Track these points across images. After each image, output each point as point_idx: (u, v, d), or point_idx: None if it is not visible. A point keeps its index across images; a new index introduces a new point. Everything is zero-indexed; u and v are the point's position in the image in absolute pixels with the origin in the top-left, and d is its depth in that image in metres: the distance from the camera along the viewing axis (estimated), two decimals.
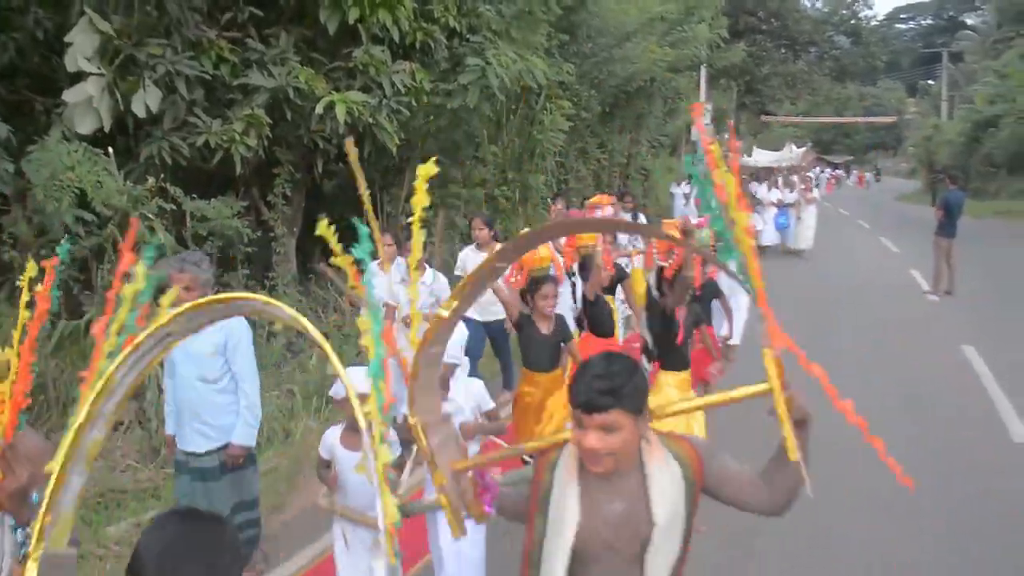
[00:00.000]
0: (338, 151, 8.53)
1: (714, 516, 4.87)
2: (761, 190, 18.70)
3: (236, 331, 4.14)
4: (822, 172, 42.20)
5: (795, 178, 19.86)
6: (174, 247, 6.71)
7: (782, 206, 18.08)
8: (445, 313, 2.06)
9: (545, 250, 5.74)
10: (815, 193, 18.53)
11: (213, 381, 4.15)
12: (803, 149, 25.26)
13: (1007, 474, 5.92)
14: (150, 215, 6.32)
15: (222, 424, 4.19)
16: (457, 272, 7.33)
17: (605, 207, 8.25)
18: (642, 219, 9.57)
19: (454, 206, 11.25)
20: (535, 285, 5.42)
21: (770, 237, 17.49)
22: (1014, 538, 4.91)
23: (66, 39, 6.40)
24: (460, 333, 3.85)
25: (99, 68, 6.50)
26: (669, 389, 5.15)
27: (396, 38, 8.14)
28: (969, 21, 61.67)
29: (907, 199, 38.57)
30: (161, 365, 4.38)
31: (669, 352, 5.21)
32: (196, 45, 7.18)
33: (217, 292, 6.34)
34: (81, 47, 6.42)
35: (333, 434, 3.65)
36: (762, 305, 1.96)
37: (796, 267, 16.13)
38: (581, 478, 2.09)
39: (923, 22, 72.11)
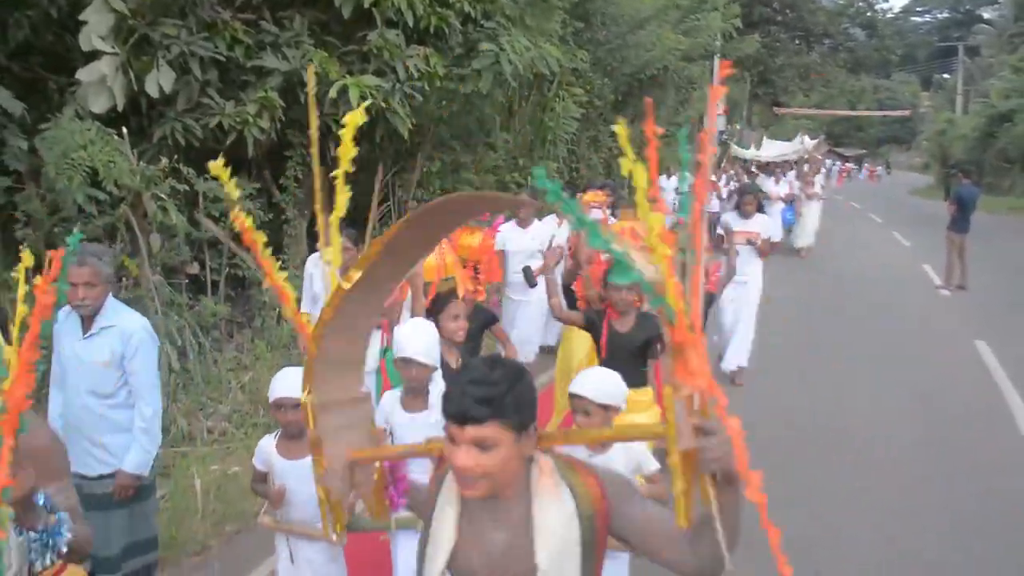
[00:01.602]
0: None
1: None
2: (768, 183, 17.37)
3: (135, 338, 3.58)
4: (834, 164, 41.99)
5: (806, 168, 19.36)
6: (186, 227, 6.72)
7: (791, 200, 17.07)
8: (346, 285, 1.88)
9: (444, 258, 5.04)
10: (817, 187, 17.64)
11: (106, 396, 3.59)
12: (815, 141, 24.99)
13: (1014, 471, 5.88)
14: (163, 195, 6.32)
15: (119, 444, 3.62)
16: (497, 247, 7.05)
17: (599, 204, 7.21)
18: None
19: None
20: (439, 304, 4.42)
21: (777, 233, 16.93)
22: (1018, 536, 4.89)
23: (80, 17, 6.39)
24: (432, 332, 3.49)
25: (113, 47, 6.49)
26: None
27: (410, 22, 8.10)
28: (986, 15, 61.07)
29: (920, 193, 38.36)
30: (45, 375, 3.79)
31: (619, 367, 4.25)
32: (211, 26, 7.16)
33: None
34: (95, 26, 6.41)
35: (268, 443, 3.34)
36: (679, 337, 1.50)
37: (806, 260, 16.04)
38: (464, 498, 1.82)
39: (939, 15, 71.33)
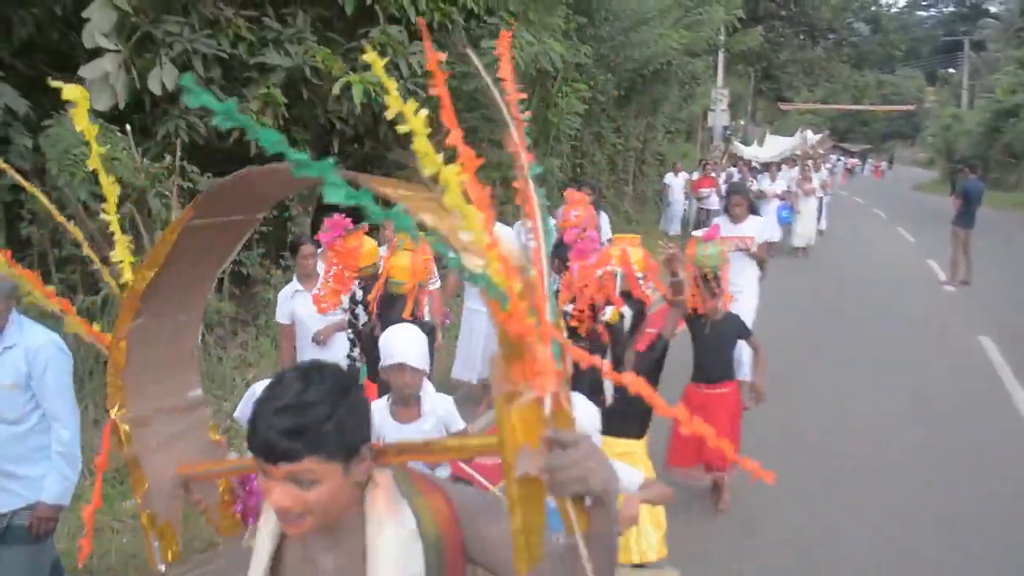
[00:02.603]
0: (354, 131, 8.52)
1: (718, 515, 4.89)
2: (764, 181, 16.79)
3: (42, 355, 3.26)
4: (838, 160, 41.86)
5: (809, 163, 19.03)
6: None
7: (786, 198, 16.06)
8: (143, 284, 1.66)
9: (405, 259, 4.63)
10: (816, 183, 16.98)
11: (14, 421, 3.25)
12: (819, 136, 24.80)
13: (1018, 469, 5.86)
14: (167, 193, 6.34)
15: (31, 476, 3.29)
16: None
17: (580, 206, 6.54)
18: (604, 218, 7.98)
19: None
20: (389, 303, 4.32)
21: (775, 233, 15.50)
22: (1018, 537, 4.87)
23: (83, 15, 6.40)
24: (422, 336, 3.30)
25: (116, 45, 6.50)
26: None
27: (413, 18, 8.11)
28: (992, 9, 60.77)
29: (924, 188, 38.27)
30: None
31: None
32: (214, 23, 7.17)
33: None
34: (98, 23, 6.42)
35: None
36: (516, 327, 1.12)
37: (808, 257, 15.93)
38: None
39: (944, 9, 71.14)
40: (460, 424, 3.43)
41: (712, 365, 4.99)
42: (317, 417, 1.36)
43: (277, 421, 1.35)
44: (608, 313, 3.80)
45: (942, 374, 8.11)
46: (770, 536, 4.77)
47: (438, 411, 3.34)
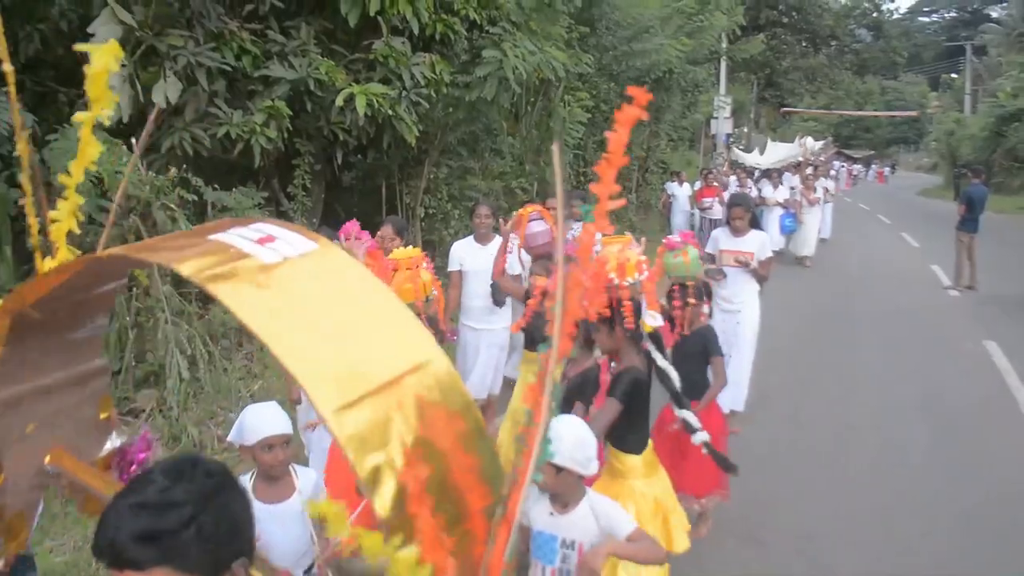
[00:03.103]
0: (358, 143, 8.56)
1: (721, 516, 4.88)
2: (766, 188, 16.57)
3: None
4: (841, 166, 41.82)
5: (808, 171, 18.77)
6: None
7: (789, 206, 15.76)
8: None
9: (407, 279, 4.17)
10: (820, 192, 16.59)
11: None
12: (821, 143, 24.66)
13: (1023, 472, 5.86)
14: (172, 205, 6.37)
15: None
16: (453, 268, 6.18)
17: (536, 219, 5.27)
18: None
19: (472, 198, 11.26)
20: None
21: (776, 242, 15.02)
22: None
23: (88, 30, 6.46)
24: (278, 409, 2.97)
25: (121, 59, 6.55)
26: (622, 481, 3.54)
27: (416, 30, 8.16)
28: (993, 14, 60.84)
29: (928, 194, 38.24)
30: None
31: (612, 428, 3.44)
32: (218, 36, 7.22)
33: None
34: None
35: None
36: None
37: (811, 266, 15.62)
38: None
39: (946, 15, 71.17)
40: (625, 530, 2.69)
41: (689, 382, 4.25)
42: (176, 521, 1.16)
43: (129, 521, 1.16)
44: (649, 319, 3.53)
45: (948, 379, 8.10)
46: (777, 539, 4.76)
47: (307, 490, 2.96)
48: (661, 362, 3.55)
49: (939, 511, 5.20)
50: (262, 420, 2.89)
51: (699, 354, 4.49)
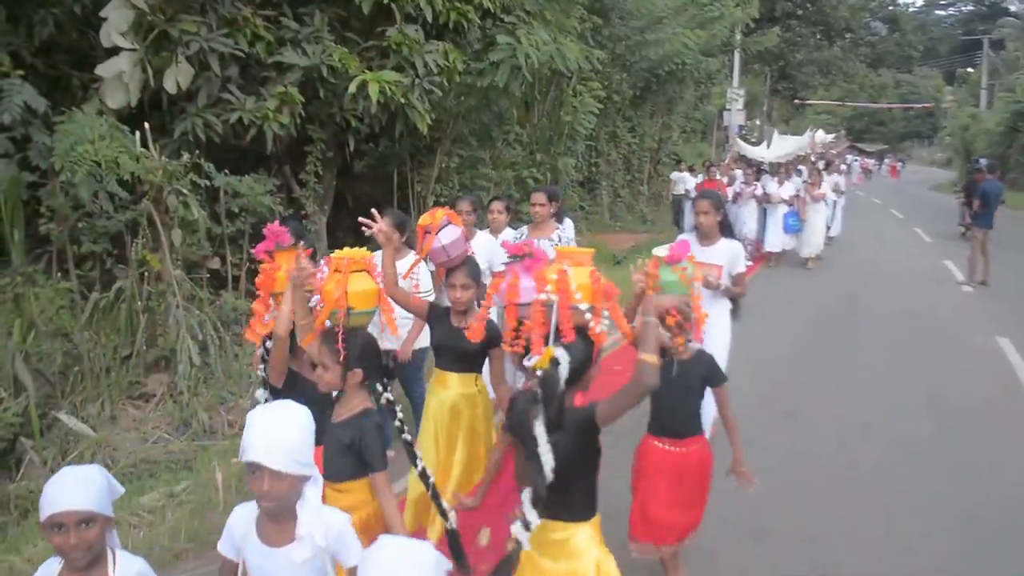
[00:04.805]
0: (370, 130, 8.55)
1: (724, 516, 4.87)
2: (771, 185, 15.28)
3: None
4: (854, 160, 41.60)
5: (821, 164, 18.29)
6: (207, 222, 6.78)
7: (794, 204, 14.92)
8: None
9: (363, 282, 3.27)
10: (826, 188, 15.64)
11: None
12: (832, 136, 24.35)
13: None
14: (184, 191, 6.37)
15: None
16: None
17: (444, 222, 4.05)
18: (568, 225, 6.62)
19: (483, 187, 11.25)
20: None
21: (779, 241, 14.90)
22: None
23: (101, 14, 6.46)
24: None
25: (133, 43, 6.55)
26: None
27: (429, 18, 8.13)
28: (1011, 8, 60.29)
29: (942, 189, 37.97)
30: None
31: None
32: (231, 22, 7.21)
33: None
34: (116, 22, 6.48)
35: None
36: None
37: (817, 268, 14.96)
38: None
39: (963, 8, 70.61)
40: (354, 557, 2.29)
41: (678, 415, 3.80)
42: None
43: None
44: (533, 359, 2.66)
45: (960, 375, 8.04)
46: (778, 539, 4.74)
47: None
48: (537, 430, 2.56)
49: (949, 508, 5.16)
50: (56, 491, 2.11)
51: (703, 380, 3.89)
